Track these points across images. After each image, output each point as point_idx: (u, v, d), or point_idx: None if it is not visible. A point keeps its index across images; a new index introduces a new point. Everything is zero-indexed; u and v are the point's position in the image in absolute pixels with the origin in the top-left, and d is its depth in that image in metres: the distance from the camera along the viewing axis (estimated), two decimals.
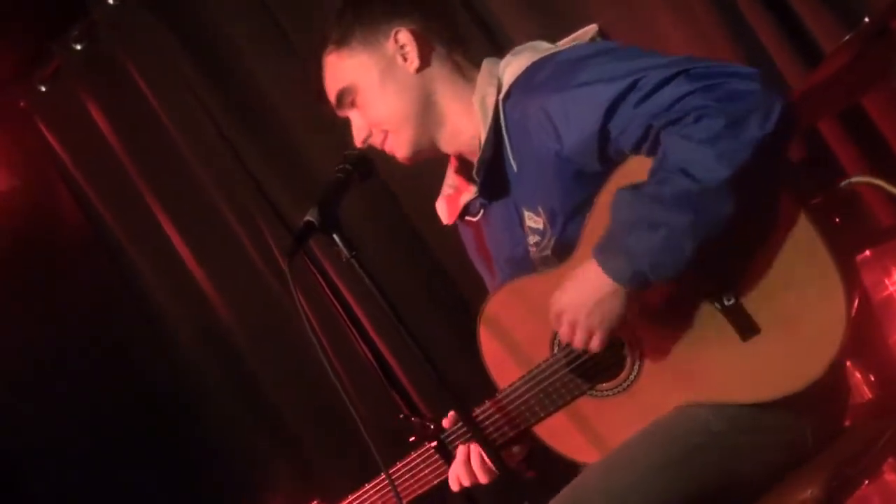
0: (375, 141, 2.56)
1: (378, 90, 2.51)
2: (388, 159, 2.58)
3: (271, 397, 4.89)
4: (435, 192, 2.71)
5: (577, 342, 2.27)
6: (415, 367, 3.01)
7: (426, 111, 2.52)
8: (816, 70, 3.01)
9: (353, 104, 2.55)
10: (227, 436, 4.96)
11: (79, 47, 4.75)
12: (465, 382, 2.43)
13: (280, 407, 4.88)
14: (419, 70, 2.51)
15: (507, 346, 2.47)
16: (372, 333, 4.22)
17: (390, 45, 2.51)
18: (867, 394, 3.05)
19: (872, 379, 3.03)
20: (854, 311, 2.16)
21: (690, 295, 2.25)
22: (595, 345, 2.25)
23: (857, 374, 3.06)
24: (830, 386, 2.25)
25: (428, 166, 2.67)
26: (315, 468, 4.76)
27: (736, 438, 2.28)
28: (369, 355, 2.40)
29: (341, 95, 2.54)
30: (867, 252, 3.18)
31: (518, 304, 2.43)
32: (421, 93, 2.51)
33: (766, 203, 2.17)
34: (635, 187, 2.16)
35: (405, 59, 2.51)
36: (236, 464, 4.87)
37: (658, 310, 2.27)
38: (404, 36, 2.51)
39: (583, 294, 2.22)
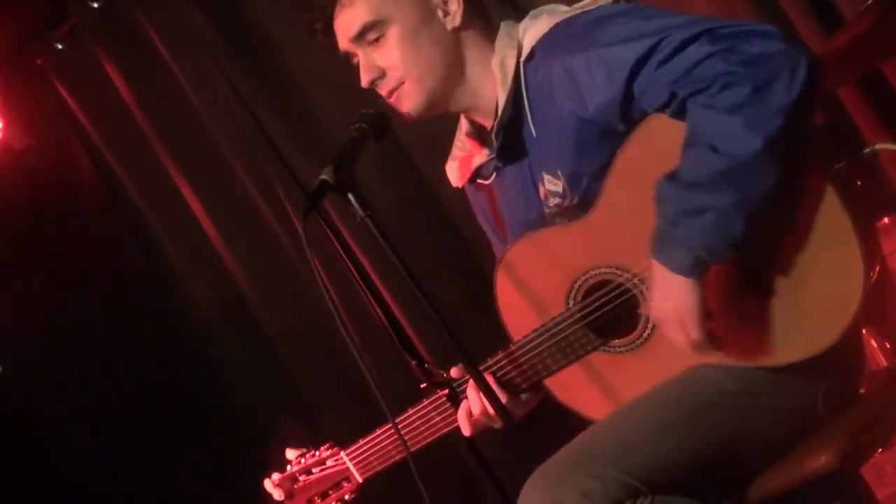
0: (384, 86, 2.49)
1: (413, 35, 2.45)
2: (404, 118, 2.53)
3: (286, 357, 4.90)
4: (449, 152, 2.69)
5: (681, 344, 2.23)
6: (427, 327, 3.01)
7: (453, 70, 2.48)
8: (836, 35, 2.99)
9: (375, 41, 2.47)
10: (241, 393, 4.98)
11: (95, 5, 4.75)
12: (477, 341, 2.42)
13: (294, 366, 4.90)
14: (456, 29, 2.48)
15: (523, 297, 2.45)
16: (385, 293, 4.22)
17: None
18: (883, 361, 3.04)
19: (888, 346, 3.03)
20: (872, 279, 2.16)
21: None
22: (694, 336, 2.19)
23: (874, 342, 3.05)
24: (844, 353, 2.24)
25: (444, 126, 2.65)
26: (327, 425, 4.78)
27: (746, 400, 2.28)
28: (381, 315, 2.40)
29: (369, 27, 2.45)
30: (886, 219, 3.17)
31: (536, 256, 2.42)
32: (452, 51, 2.48)
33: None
34: (673, 177, 2.13)
35: (445, 15, 2.48)
36: (250, 419, 4.89)
37: None
38: None
39: (662, 298, 2.19)
